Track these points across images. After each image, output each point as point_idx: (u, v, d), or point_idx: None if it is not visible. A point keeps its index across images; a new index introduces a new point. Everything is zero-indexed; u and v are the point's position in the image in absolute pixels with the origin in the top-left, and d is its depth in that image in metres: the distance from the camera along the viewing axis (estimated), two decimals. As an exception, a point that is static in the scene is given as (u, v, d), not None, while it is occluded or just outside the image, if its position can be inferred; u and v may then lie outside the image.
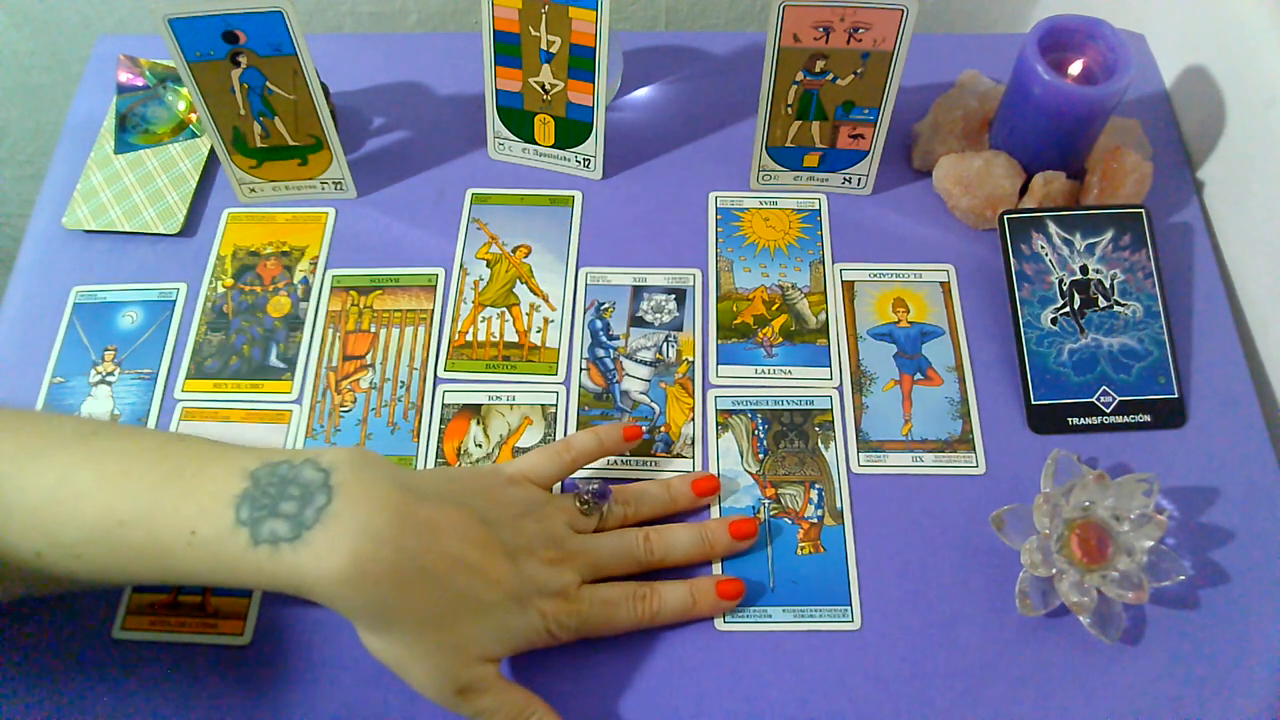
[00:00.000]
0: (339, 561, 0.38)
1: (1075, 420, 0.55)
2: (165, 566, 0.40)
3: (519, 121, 0.63)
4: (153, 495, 0.39)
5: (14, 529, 0.39)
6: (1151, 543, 0.48)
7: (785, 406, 0.55)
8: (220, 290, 0.60)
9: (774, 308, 0.59)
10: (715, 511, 0.52)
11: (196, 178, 0.63)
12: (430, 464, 0.54)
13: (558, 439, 0.54)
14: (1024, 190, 0.60)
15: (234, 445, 0.42)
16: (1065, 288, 0.57)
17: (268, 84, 0.57)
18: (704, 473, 0.52)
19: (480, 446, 0.54)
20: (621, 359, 0.57)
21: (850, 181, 0.63)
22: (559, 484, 0.52)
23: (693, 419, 0.55)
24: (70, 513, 0.39)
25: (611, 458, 0.53)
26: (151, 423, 0.55)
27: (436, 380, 0.57)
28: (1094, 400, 0.55)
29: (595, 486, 0.49)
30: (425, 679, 0.42)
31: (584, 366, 0.57)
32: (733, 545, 0.50)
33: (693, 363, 0.57)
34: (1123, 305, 0.56)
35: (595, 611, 0.46)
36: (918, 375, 0.56)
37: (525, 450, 0.54)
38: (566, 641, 0.46)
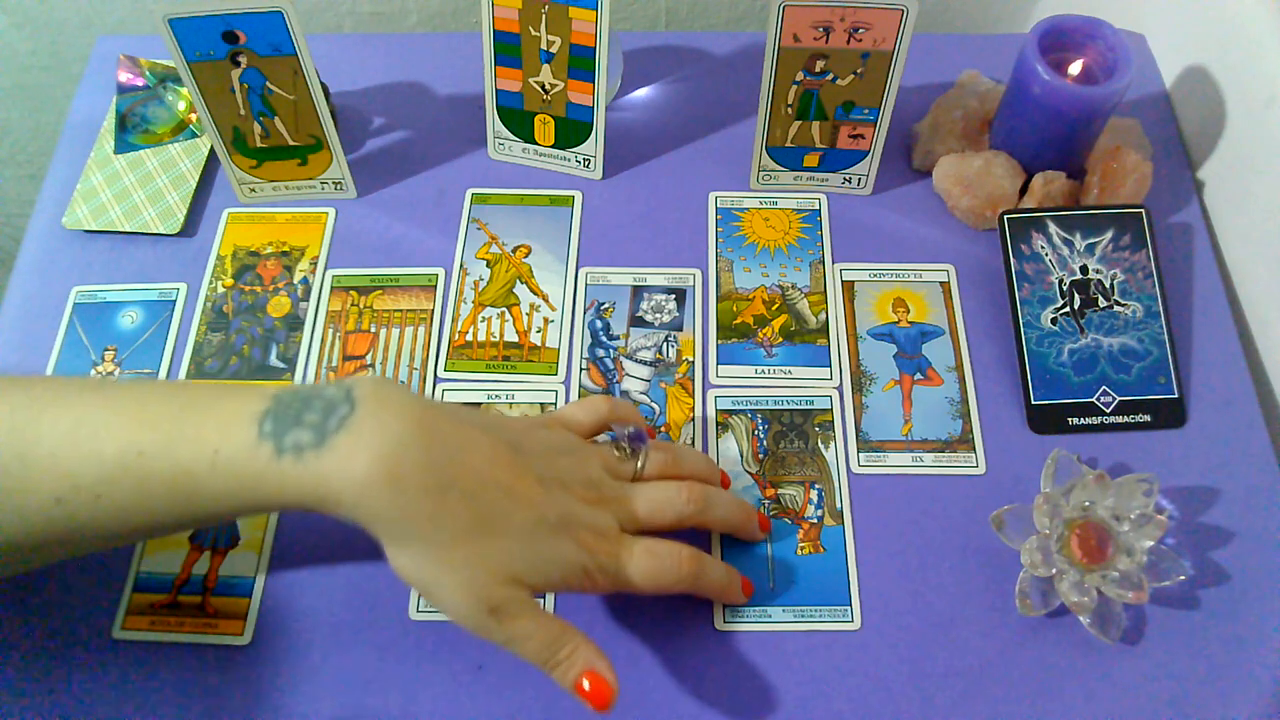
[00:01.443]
0: (363, 467, 0.37)
1: (1075, 420, 0.55)
2: (189, 495, 0.39)
3: (519, 121, 0.63)
4: (173, 423, 0.39)
5: (33, 476, 0.39)
6: (1151, 543, 0.48)
7: (785, 406, 0.55)
8: (220, 290, 0.60)
9: (774, 308, 0.59)
10: (715, 511, 0.52)
11: (196, 178, 0.63)
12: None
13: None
14: (1024, 190, 0.60)
15: (246, 386, 0.42)
16: (1065, 288, 0.57)
17: (268, 84, 0.57)
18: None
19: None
20: (621, 359, 0.57)
21: (850, 181, 0.63)
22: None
23: (693, 419, 0.55)
24: (90, 451, 0.39)
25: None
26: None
27: (436, 380, 0.57)
28: (1094, 400, 0.55)
29: (631, 430, 0.48)
30: (455, 597, 0.40)
31: (584, 366, 0.57)
32: (763, 529, 0.50)
33: (693, 363, 0.57)
34: (1123, 305, 0.56)
35: (638, 559, 0.43)
36: (918, 375, 0.56)
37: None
38: (604, 590, 0.43)
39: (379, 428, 0.38)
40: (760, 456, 0.54)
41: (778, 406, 0.55)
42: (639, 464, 0.47)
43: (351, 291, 0.60)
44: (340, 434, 0.38)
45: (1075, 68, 0.58)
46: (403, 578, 0.40)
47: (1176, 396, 0.55)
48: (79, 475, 0.39)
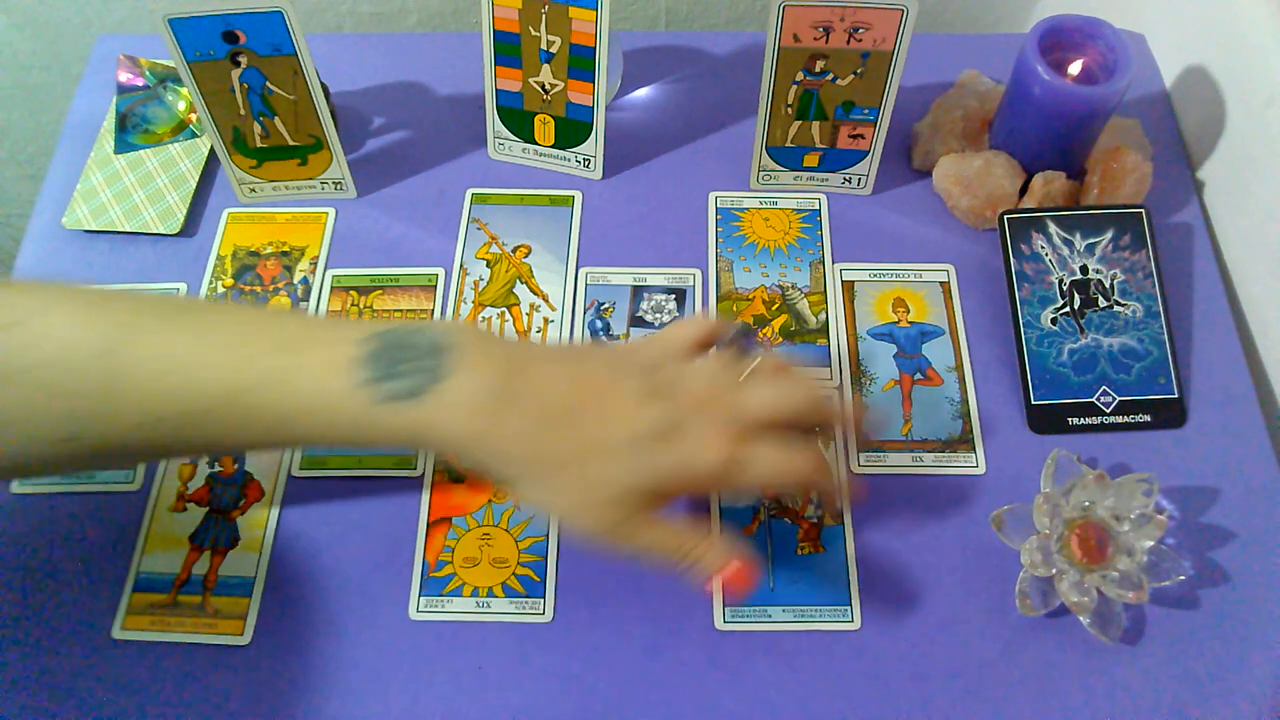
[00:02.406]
0: (459, 415, 0.39)
1: (1075, 420, 0.55)
2: (285, 430, 0.41)
3: (519, 121, 0.63)
4: (267, 363, 0.40)
5: (120, 405, 0.39)
6: (1151, 543, 0.48)
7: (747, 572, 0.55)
8: (220, 290, 0.60)
9: (774, 308, 0.59)
10: (713, 509, 0.52)
11: (196, 178, 0.63)
12: (429, 465, 0.54)
13: None
14: (1024, 190, 0.60)
15: (338, 319, 0.42)
16: (1065, 288, 0.57)
17: (268, 84, 0.57)
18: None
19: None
20: (621, 359, 0.57)
21: (850, 181, 0.63)
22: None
23: (693, 419, 0.55)
24: (178, 385, 0.39)
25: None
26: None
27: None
28: (1094, 400, 0.55)
29: (739, 327, 0.47)
30: (574, 520, 0.42)
31: (584, 366, 0.57)
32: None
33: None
34: (1123, 305, 0.56)
35: (760, 455, 0.42)
36: (918, 375, 0.56)
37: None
38: (729, 488, 0.44)
39: (473, 376, 0.40)
40: (760, 456, 0.54)
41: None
42: (750, 365, 0.46)
43: (352, 291, 0.60)
44: (436, 384, 0.39)
45: (1075, 68, 0.58)
46: (529, 508, 0.43)
47: (1176, 396, 0.55)
48: (166, 408, 0.40)
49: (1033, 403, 0.55)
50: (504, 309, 0.59)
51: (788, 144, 0.61)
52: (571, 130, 0.62)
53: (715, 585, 0.42)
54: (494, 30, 0.58)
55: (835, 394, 0.50)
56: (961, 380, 0.56)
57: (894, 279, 0.60)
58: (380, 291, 0.60)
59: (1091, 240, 0.57)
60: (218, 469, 0.54)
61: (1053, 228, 0.57)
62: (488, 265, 0.61)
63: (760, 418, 0.43)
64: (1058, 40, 0.57)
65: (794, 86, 0.57)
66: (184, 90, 0.65)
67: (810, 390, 0.45)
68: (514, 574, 0.51)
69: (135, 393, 0.39)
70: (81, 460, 0.42)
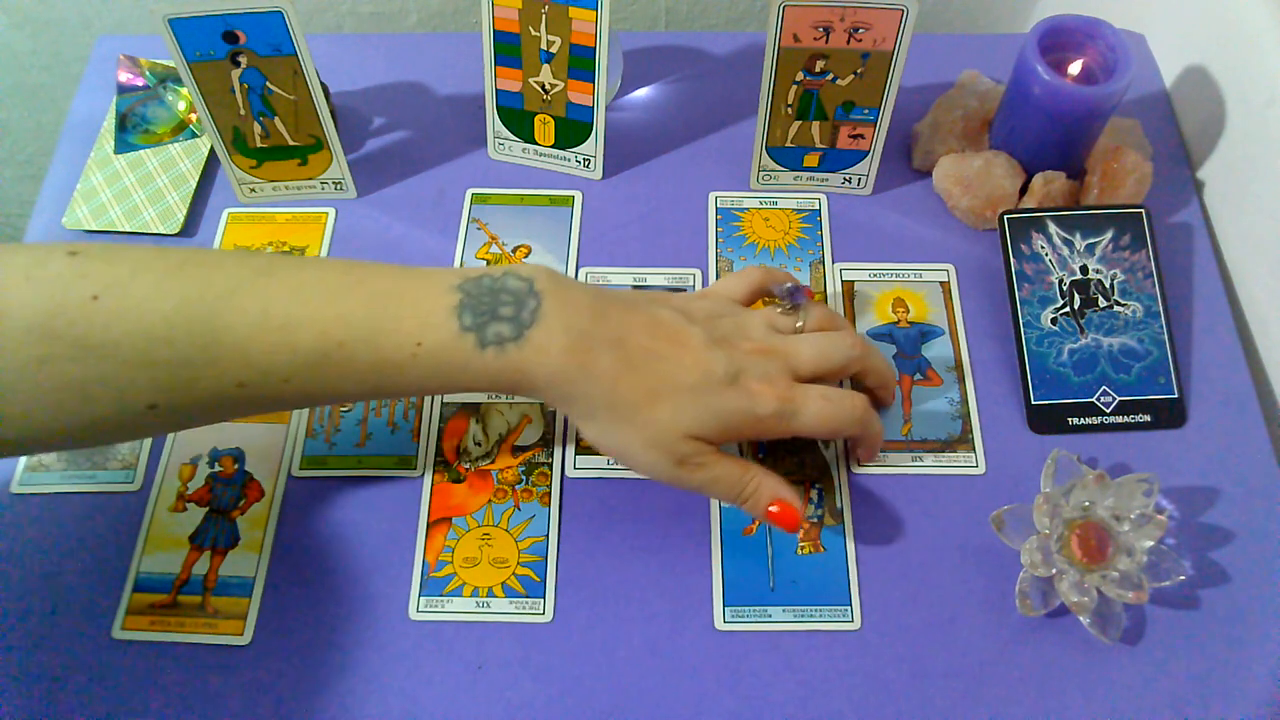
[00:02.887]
0: (556, 356, 0.42)
1: (1075, 420, 0.55)
2: (384, 381, 0.42)
3: (519, 121, 0.63)
4: (368, 316, 0.41)
5: (219, 364, 0.40)
6: (1151, 543, 0.48)
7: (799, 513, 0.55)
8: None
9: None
10: (713, 508, 0.52)
11: (196, 178, 0.63)
12: (430, 465, 0.54)
13: (556, 431, 0.54)
14: (1024, 190, 0.60)
15: (420, 267, 0.44)
16: (1065, 288, 0.57)
17: (268, 84, 0.57)
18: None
19: (480, 445, 0.54)
20: (621, 359, 0.57)
21: (850, 181, 0.63)
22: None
23: (693, 419, 0.55)
24: (279, 343, 0.40)
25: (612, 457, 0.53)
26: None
27: (436, 380, 0.57)
28: (1094, 400, 0.55)
29: (790, 286, 0.51)
30: (643, 457, 0.45)
31: (584, 366, 0.57)
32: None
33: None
34: (1123, 305, 0.56)
35: (813, 403, 0.46)
36: (917, 375, 0.56)
37: (524, 449, 0.54)
38: (783, 434, 0.46)
39: (564, 318, 0.43)
40: (760, 456, 0.54)
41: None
42: (800, 318, 0.50)
43: (351, 291, 0.60)
44: (534, 327, 0.42)
45: (1075, 68, 0.58)
46: (593, 445, 0.46)
47: (1176, 396, 0.55)
48: (268, 365, 0.40)
49: (1033, 403, 0.55)
50: (504, 309, 0.59)
51: (788, 144, 0.61)
52: (571, 130, 0.62)
53: (771, 514, 0.46)
54: (494, 30, 0.58)
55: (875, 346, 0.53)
56: (961, 380, 0.56)
57: (894, 279, 0.60)
58: (380, 291, 0.59)
59: (1091, 240, 0.57)
60: (218, 469, 0.54)
61: (1053, 228, 0.57)
62: (488, 265, 0.60)
63: (811, 368, 0.48)
64: (1058, 40, 0.57)
65: (794, 86, 0.57)
66: (184, 90, 0.65)
67: (856, 341, 0.50)
68: (514, 574, 0.51)
69: (229, 356, 0.40)
70: (168, 425, 0.43)
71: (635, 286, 0.59)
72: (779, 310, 0.50)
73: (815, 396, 0.46)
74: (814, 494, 0.53)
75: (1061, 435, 0.54)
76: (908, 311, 0.59)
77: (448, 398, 0.56)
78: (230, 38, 0.55)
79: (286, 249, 0.61)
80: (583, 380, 0.43)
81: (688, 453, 0.44)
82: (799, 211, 0.63)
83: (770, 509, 0.46)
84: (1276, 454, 0.54)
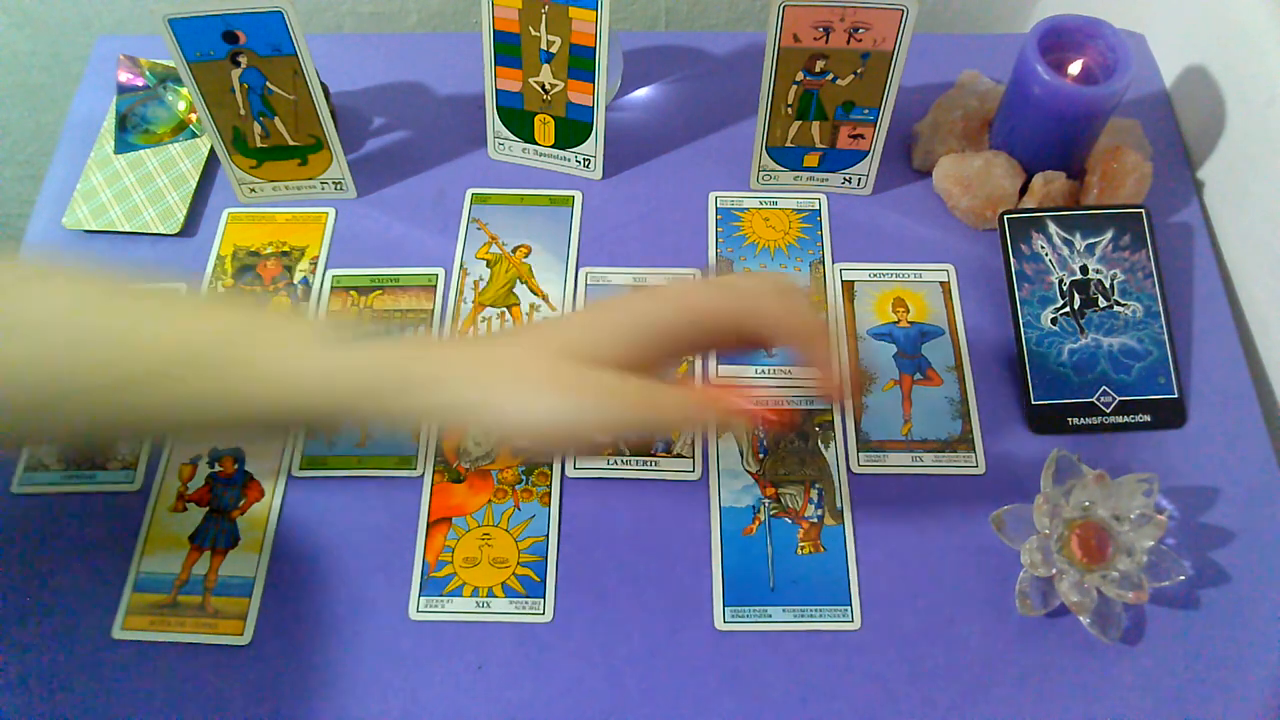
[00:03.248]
0: (427, 348, 0.38)
1: (1075, 420, 0.54)
2: (245, 394, 0.38)
3: (519, 121, 0.62)
4: (237, 326, 0.39)
5: (97, 365, 0.38)
6: (1151, 543, 0.48)
7: (785, 407, 0.55)
8: (220, 290, 0.60)
9: (774, 308, 0.59)
10: (713, 508, 0.52)
11: (196, 178, 0.63)
12: (430, 465, 0.54)
13: None
14: (1024, 190, 0.60)
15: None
16: (1065, 288, 0.57)
17: (268, 84, 0.57)
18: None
19: (479, 445, 0.54)
20: (621, 359, 0.57)
21: (850, 181, 0.63)
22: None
23: (693, 419, 0.55)
24: (154, 341, 0.38)
25: (611, 458, 0.53)
26: (152, 422, 0.55)
27: (436, 380, 0.57)
28: (1094, 400, 0.55)
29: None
30: (543, 400, 0.36)
31: (584, 366, 0.57)
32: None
33: (693, 363, 0.57)
34: (1123, 305, 0.56)
35: (743, 285, 0.39)
36: (917, 375, 0.56)
37: (525, 449, 0.54)
38: (706, 321, 0.39)
39: (432, 332, 0.42)
40: (760, 456, 0.54)
41: (778, 407, 0.55)
42: None
43: (351, 291, 0.60)
44: (398, 335, 0.40)
45: (1075, 68, 0.58)
46: (512, 428, 0.37)
47: (1176, 396, 0.55)
48: (128, 369, 0.38)
49: (1033, 403, 0.55)
50: (504, 309, 0.59)
51: (788, 144, 0.61)
52: (571, 130, 0.62)
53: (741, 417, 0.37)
54: (494, 30, 0.58)
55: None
56: (961, 380, 0.56)
57: (894, 279, 0.60)
58: (380, 291, 0.60)
59: (1091, 240, 0.57)
60: (218, 469, 0.54)
61: (1053, 228, 0.57)
62: (488, 265, 0.61)
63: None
64: (1058, 40, 0.57)
65: (794, 86, 0.57)
66: (184, 90, 0.65)
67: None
68: (514, 574, 0.51)
69: (101, 355, 0.38)
70: (54, 436, 0.42)
71: (635, 286, 0.59)
72: None
73: (749, 278, 0.41)
74: (814, 494, 0.53)
75: (1061, 435, 0.54)
76: (908, 311, 0.59)
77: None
78: (230, 38, 0.54)
79: (286, 249, 0.61)
80: (455, 363, 0.37)
81: (588, 378, 0.36)
82: (799, 211, 0.63)
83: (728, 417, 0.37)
84: (1276, 454, 0.54)
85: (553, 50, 0.58)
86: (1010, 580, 0.49)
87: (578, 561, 0.51)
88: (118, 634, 0.49)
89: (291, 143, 0.60)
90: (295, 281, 0.60)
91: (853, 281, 0.60)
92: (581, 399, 0.36)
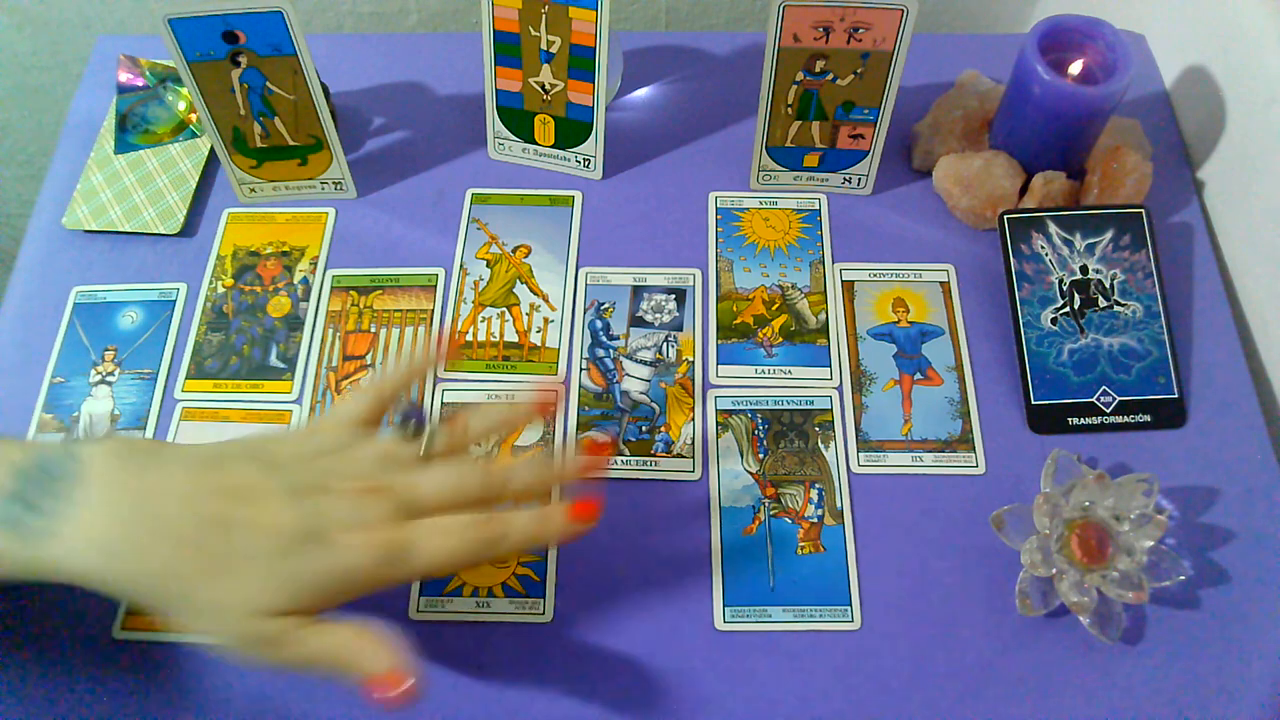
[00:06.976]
0: (83, 544, 0.37)
1: (1075, 420, 0.55)
2: None
3: (519, 121, 0.63)
4: None
5: None
6: (1151, 543, 0.48)
7: (785, 406, 0.55)
8: (220, 290, 0.60)
9: (774, 308, 0.59)
10: (713, 508, 0.52)
11: (196, 178, 0.63)
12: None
13: (556, 440, 0.54)
14: (1024, 190, 0.60)
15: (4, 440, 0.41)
16: (1065, 288, 0.57)
17: (268, 84, 0.57)
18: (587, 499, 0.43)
19: (479, 446, 0.54)
20: (621, 359, 0.57)
21: (850, 181, 0.63)
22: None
23: (693, 419, 0.55)
24: None
25: (611, 458, 0.53)
26: (151, 423, 0.55)
27: (436, 380, 0.57)
28: (1094, 400, 0.55)
29: (405, 407, 0.43)
30: (219, 639, 0.39)
31: (584, 367, 0.57)
32: (581, 468, 0.44)
33: (693, 363, 0.57)
34: (1123, 305, 0.56)
35: (425, 540, 0.39)
36: (918, 375, 0.56)
37: (524, 449, 0.54)
38: (407, 579, 0.41)
39: (100, 501, 0.38)
40: (760, 456, 0.54)
41: (778, 406, 0.55)
42: (421, 445, 0.43)
43: (351, 291, 0.60)
44: (62, 513, 0.38)
45: (1075, 68, 0.58)
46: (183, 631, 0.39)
47: (1176, 396, 0.55)
48: None
49: (1033, 403, 0.55)
50: (504, 309, 0.59)
51: (788, 144, 0.61)
52: (571, 130, 0.62)
53: (382, 692, 0.39)
54: (494, 30, 0.58)
55: (541, 456, 0.47)
56: (961, 380, 0.56)
57: (894, 279, 0.60)
58: (380, 291, 0.60)
59: (1091, 240, 0.57)
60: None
61: (1053, 228, 0.57)
62: (488, 265, 0.61)
63: (435, 503, 0.41)
64: (1058, 40, 0.57)
65: (794, 86, 0.57)
66: (184, 90, 0.65)
67: (488, 469, 0.42)
68: (514, 574, 0.51)
69: None
70: None
71: (635, 286, 0.59)
72: (399, 438, 0.43)
73: (429, 532, 0.40)
74: (814, 494, 0.53)
75: (1061, 435, 0.54)
76: (908, 311, 0.59)
77: (448, 397, 0.56)
78: (230, 38, 0.55)
79: (286, 249, 0.61)
80: (120, 567, 0.38)
81: (269, 632, 0.38)
82: (799, 211, 0.63)
83: (384, 687, 0.39)
84: (1276, 454, 0.54)
85: (553, 50, 0.58)
86: (1010, 580, 0.49)
87: (577, 561, 0.51)
88: (118, 634, 0.49)
89: (291, 143, 0.60)
90: (295, 281, 0.60)
91: (853, 281, 0.60)
92: (274, 663, 0.39)
